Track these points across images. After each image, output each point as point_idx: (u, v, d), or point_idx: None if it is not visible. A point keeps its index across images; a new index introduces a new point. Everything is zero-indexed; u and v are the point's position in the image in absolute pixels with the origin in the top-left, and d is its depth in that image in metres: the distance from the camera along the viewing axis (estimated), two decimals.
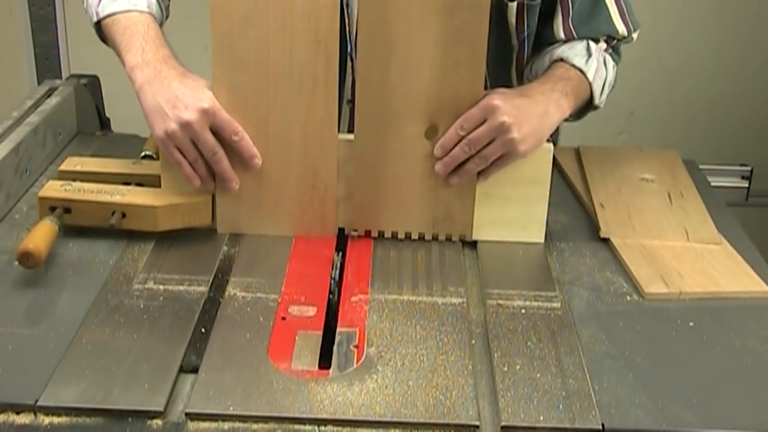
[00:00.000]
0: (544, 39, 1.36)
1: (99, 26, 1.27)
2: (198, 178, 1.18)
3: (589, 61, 1.29)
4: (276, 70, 1.15)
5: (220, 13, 1.14)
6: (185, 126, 1.13)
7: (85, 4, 1.30)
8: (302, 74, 1.15)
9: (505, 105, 1.15)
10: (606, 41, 1.34)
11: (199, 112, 1.13)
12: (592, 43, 1.31)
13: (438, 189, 1.20)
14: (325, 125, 1.18)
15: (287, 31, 1.14)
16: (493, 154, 1.17)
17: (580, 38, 1.32)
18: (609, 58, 1.34)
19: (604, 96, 1.33)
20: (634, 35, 1.38)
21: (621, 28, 1.34)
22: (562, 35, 1.32)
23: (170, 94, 1.13)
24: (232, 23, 1.14)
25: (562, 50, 1.31)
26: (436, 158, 1.19)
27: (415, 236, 1.24)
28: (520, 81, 1.44)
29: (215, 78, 1.16)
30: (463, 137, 1.16)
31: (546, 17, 1.34)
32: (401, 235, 1.24)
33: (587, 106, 1.33)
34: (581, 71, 1.28)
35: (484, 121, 1.15)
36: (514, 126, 1.14)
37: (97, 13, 1.25)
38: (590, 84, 1.29)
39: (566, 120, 1.29)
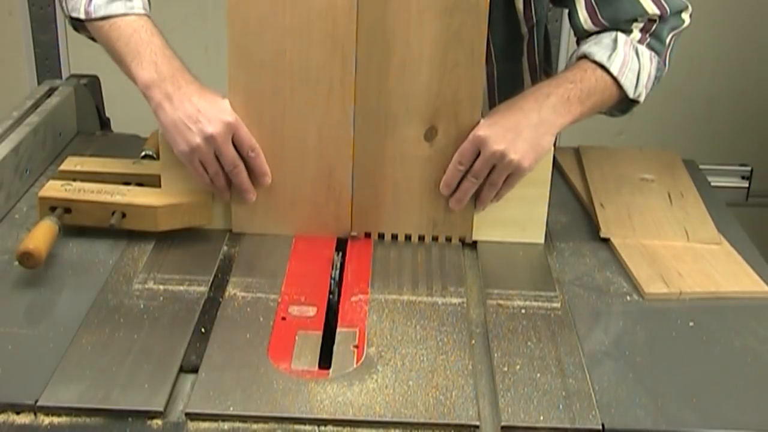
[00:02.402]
0: (578, 35, 1.31)
1: (80, 21, 1.23)
2: (216, 188, 1.19)
3: (613, 55, 1.23)
4: (293, 71, 1.15)
5: (237, 14, 1.13)
6: (209, 139, 1.13)
7: None
8: (319, 75, 1.15)
9: (494, 132, 1.15)
10: (642, 30, 1.26)
11: (223, 125, 1.13)
12: (620, 35, 1.25)
13: (437, 191, 1.20)
14: (341, 126, 1.17)
15: (304, 32, 1.13)
16: (500, 179, 1.18)
17: (609, 27, 1.26)
18: (644, 49, 1.26)
19: (642, 88, 1.26)
20: (685, 16, 1.29)
21: (651, 9, 1.25)
22: (590, 24, 1.27)
23: (191, 108, 1.13)
24: (249, 24, 1.13)
25: (587, 45, 1.25)
26: (444, 195, 1.20)
27: (414, 238, 1.24)
28: (534, 75, 1.43)
29: (231, 79, 1.16)
30: (462, 170, 1.18)
31: (571, 15, 1.29)
32: (401, 238, 1.24)
33: (625, 100, 1.26)
34: (603, 67, 1.22)
35: (479, 153, 1.16)
36: (508, 149, 1.15)
37: (87, 12, 1.22)
38: (615, 78, 1.23)
39: (612, 115, 1.29)
